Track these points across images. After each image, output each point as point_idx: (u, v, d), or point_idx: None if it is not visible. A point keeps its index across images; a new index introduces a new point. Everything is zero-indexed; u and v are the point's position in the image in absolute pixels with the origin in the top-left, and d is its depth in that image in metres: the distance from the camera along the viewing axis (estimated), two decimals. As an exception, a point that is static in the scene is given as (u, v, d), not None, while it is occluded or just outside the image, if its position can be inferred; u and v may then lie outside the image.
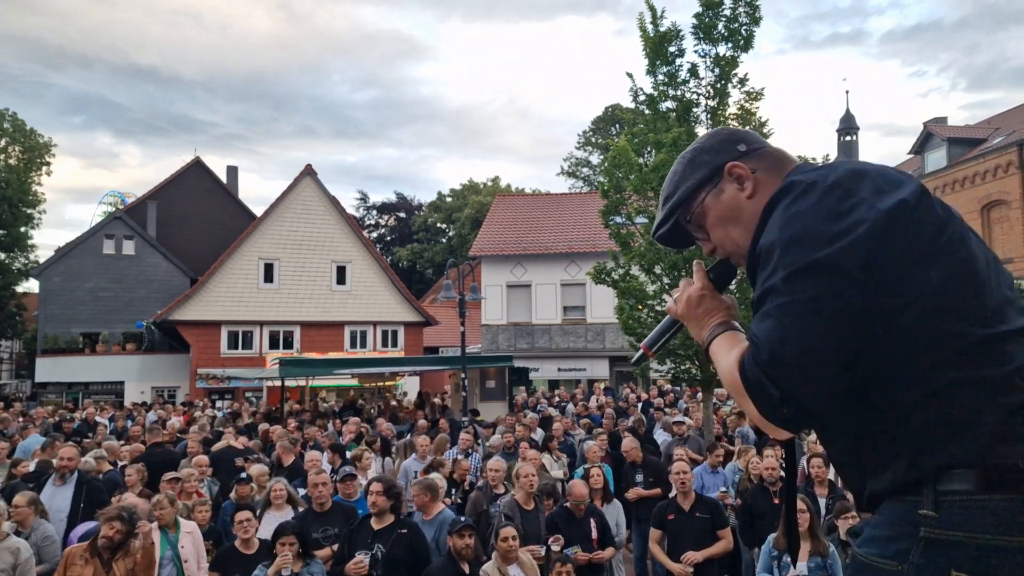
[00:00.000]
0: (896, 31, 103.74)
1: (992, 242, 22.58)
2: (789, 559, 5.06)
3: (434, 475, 7.03)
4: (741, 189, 1.47)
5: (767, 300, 1.24)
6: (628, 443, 8.42)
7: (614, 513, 6.88)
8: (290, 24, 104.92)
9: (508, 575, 5.19)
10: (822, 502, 6.48)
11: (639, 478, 7.98)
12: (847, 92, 41.37)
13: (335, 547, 5.69)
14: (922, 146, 26.77)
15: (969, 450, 1.17)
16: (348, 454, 8.70)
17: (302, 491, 7.37)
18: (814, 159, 11.31)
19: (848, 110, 39.41)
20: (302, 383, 19.59)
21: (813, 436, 9.06)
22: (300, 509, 6.44)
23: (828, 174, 1.32)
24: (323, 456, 8.32)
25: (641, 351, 1.66)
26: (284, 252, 26.51)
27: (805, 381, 1.18)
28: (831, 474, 7.52)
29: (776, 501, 6.71)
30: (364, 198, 57.35)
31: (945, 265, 1.24)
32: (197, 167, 34.67)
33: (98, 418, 15.54)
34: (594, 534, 6.04)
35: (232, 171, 37.54)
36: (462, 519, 5.26)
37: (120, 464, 8.51)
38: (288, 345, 26.27)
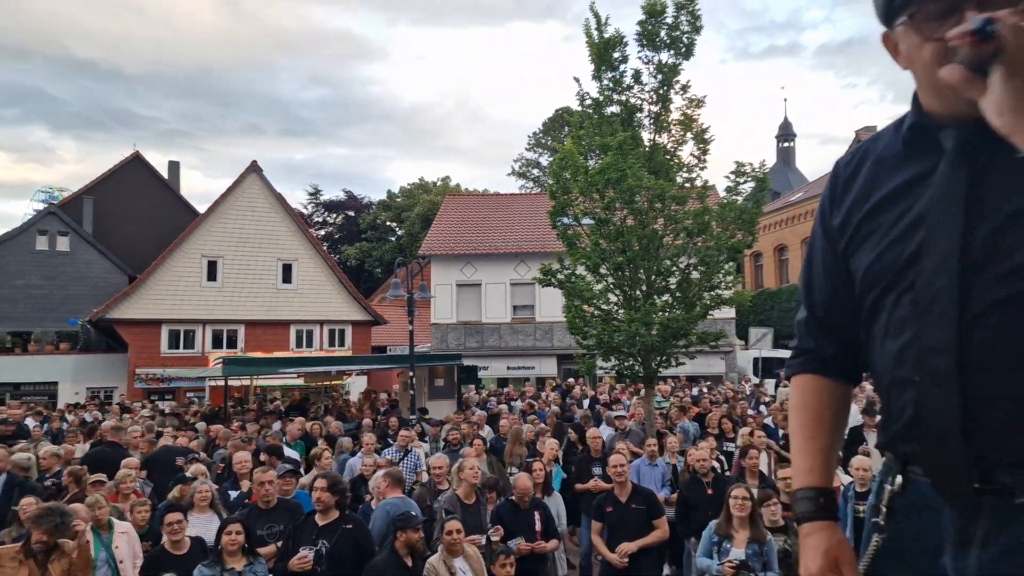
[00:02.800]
0: (829, 45, 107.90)
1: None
2: (727, 545, 5.31)
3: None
4: None
5: None
6: (593, 432, 8.65)
7: (554, 505, 7.06)
8: (236, 20, 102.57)
9: (454, 568, 5.30)
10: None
11: (597, 471, 8.15)
12: (785, 100, 43.17)
13: (280, 544, 5.71)
14: (856, 153, 27.95)
15: None
16: (306, 453, 8.66)
17: (234, 493, 7.32)
18: (751, 164, 11.72)
19: (786, 118, 40.74)
20: (246, 382, 19.27)
21: (746, 429, 9.43)
22: (224, 515, 6.39)
23: None
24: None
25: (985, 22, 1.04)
26: (228, 250, 25.97)
27: None
28: (763, 464, 7.89)
29: (710, 492, 6.99)
30: (316, 193, 56.23)
31: None
32: (136, 162, 33.59)
33: (29, 420, 14.97)
34: (538, 526, 6.20)
35: (174, 167, 36.54)
36: (413, 514, 5.34)
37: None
38: (232, 344, 25.75)
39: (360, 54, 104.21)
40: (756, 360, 23.92)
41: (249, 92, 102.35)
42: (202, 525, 5.99)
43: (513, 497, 6.36)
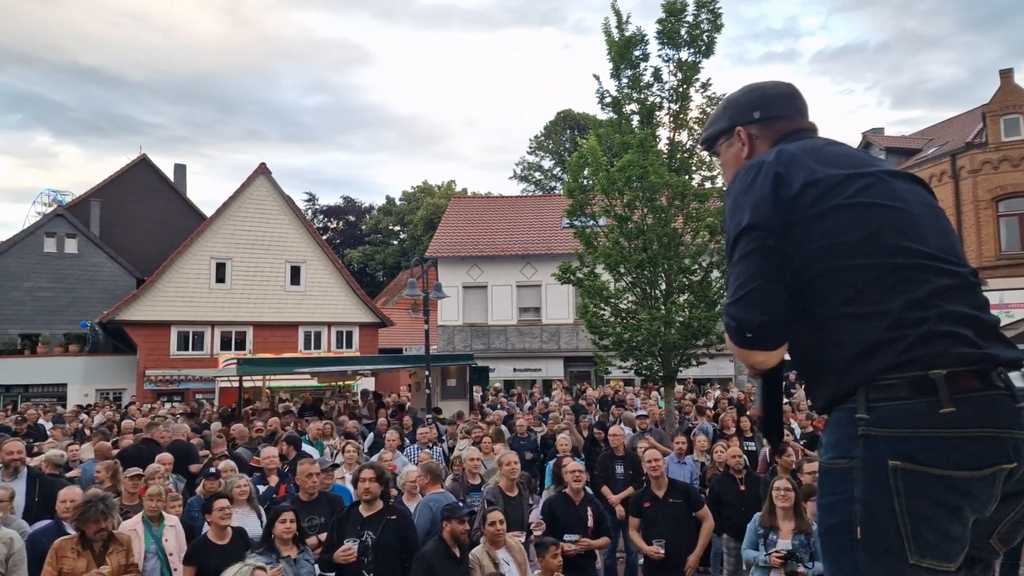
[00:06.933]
0: (825, 52, 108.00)
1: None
2: (773, 536, 5.31)
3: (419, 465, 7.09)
4: (741, 149, 1.87)
5: (729, 260, 1.69)
6: (615, 430, 8.61)
7: (590, 501, 7.05)
8: (237, 28, 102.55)
9: (497, 559, 5.31)
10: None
11: (619, 469, 8.12)
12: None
13: (321, 536, 5.70)
14: (862, 155, 27.92)
15: (891, 366, 1.45)
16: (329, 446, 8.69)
17: (263, 488, 7.34)
18: None
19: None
20: (258, 383, 19.27)
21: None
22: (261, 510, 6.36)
23: (764, 159, 1.69)
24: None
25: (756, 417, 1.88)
26: (237, 252, 25.98)
27: (750, 312, 1.58)
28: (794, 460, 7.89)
29: (742, 488, 6.98)
30: (312, 199, 56.43)
31: (849, 221, 1.55)
32: (143, 165, 33.54)
33: (41, 420, 14.97)
34: (590, 522, 6.13)
35: (180, 169, 36.48)
36: (460, 505, 5.34)
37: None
38: (240, 346, 25.74)
39: (359, 61, 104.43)
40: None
41: (250, 98, 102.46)
42: (238, 520, 5.97)
43: (567, 491, 6.31)
